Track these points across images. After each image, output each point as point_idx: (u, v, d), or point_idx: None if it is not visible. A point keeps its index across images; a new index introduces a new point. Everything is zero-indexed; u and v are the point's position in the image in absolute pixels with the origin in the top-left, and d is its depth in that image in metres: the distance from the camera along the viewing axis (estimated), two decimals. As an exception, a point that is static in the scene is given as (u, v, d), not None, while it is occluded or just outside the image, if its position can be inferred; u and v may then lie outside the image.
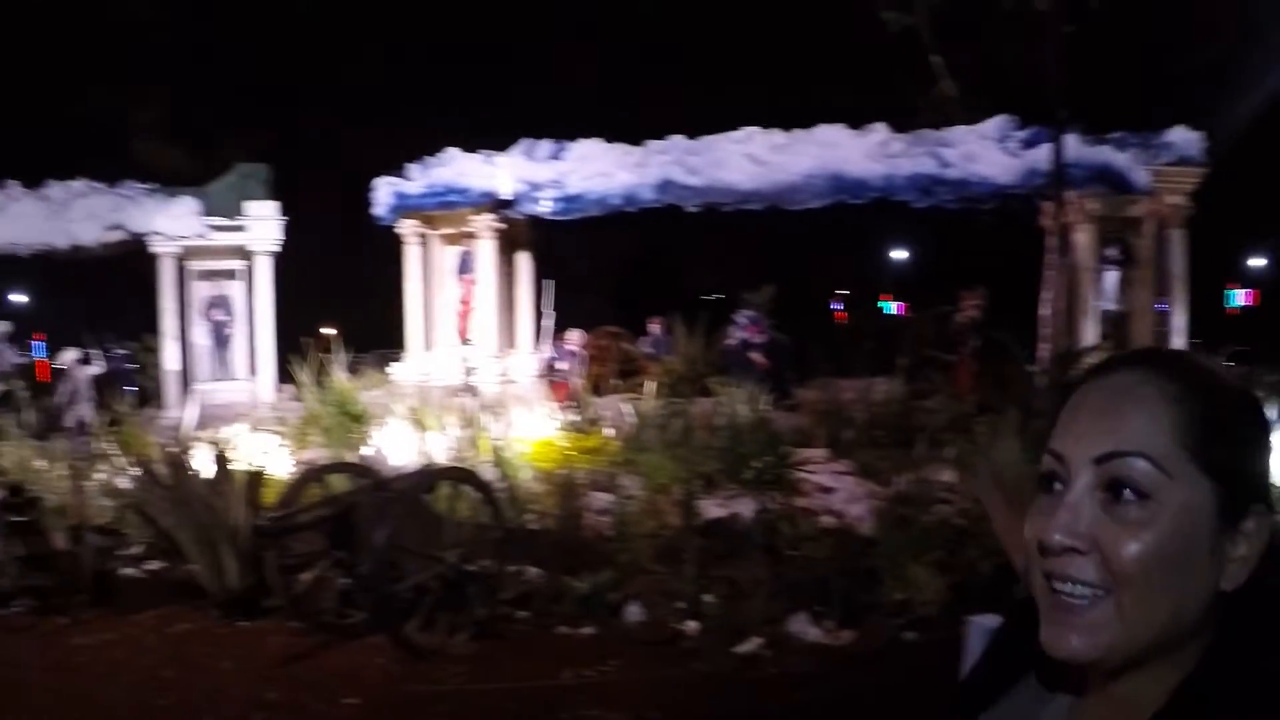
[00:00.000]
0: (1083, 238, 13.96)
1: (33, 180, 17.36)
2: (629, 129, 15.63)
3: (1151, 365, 1.02)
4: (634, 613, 7.06)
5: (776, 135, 14.89)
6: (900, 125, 14.61)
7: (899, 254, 42.10)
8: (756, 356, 14.27)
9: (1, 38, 25.08)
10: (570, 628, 7.20)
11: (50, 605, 8.75)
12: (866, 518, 7.99)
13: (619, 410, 11.97)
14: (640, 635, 6.85)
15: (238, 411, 15.09)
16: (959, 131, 14.34)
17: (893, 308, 32.03)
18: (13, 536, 8.99)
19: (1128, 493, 0.97)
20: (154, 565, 9.65)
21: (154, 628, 8.15)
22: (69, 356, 17.66)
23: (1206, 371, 1.02)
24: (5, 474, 10.99)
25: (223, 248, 17.21)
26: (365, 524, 7.31)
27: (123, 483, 10.58)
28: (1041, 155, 13.15)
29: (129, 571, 9.59)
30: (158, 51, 24.74)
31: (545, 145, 15.59)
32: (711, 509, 8.72)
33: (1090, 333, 13.84)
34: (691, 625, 6.75)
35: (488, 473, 9.39)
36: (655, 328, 17.58)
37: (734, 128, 15.13)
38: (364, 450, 12.08)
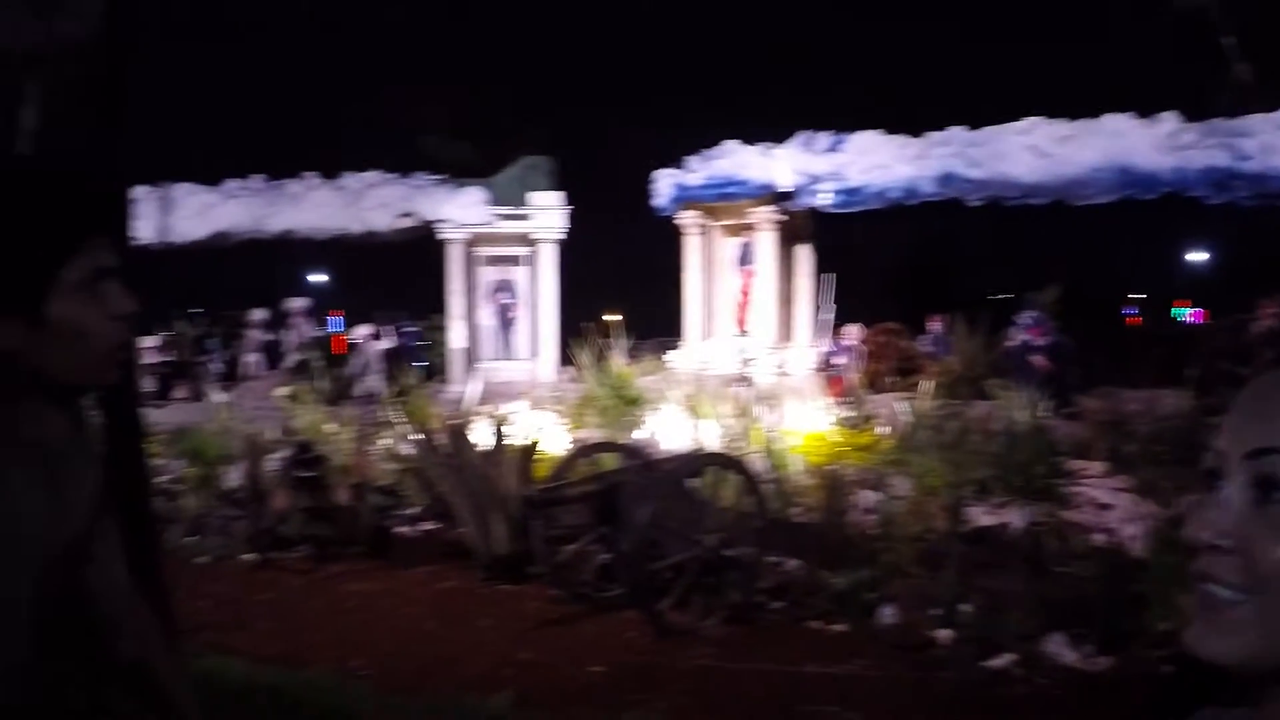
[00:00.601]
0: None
1: (330, 172, 18.61)
2: (908, 119, 15.31)
3: None
4: (888, 614, 6.93)
5: (1060, 125, 14.20)
6: (1192, 113, 13.69)
7: (1198, 256, 39.37)
8: (1038, 360, 13.70)
9: (303, 42, 26.91)
10: (823, 623, 7.11)
11: (328, 554, 9.41)
12: (1140, 539, 7.55)
13: (894, 408, 11.75)
14: (891, 638, 6.70)
15: (518, 389, 15.68)
16: (1256, 120, 13.24)
17: (1187, 314, 30.15)
18: (300, 489, 9.72)
19: (1277, 491, 0.90)
20: (428, 526, 10.20)
21: (422, 582, 8.59)
22: (362, 332, 18.93)
23: None
24: (297, 433, 11.83)
25: (508, 235, 17.98)
26: (630, 502, 7.45)
27: (405, 449, 11.18)
28: (1348, 147, 12.08)
29: (404, 530, 10.18)
30: (446, 49, 25.97)
31: (823, 137, 15.47)
32: (980, 516, 8.46)
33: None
34: (944, 633, 6.54)
35: (757, 463, 9.41)
36: (935, 325, 17.19)
37: (1016, 117, 14.54)
38: (637, 433, 12.33)
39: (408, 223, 18.20)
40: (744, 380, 14.70)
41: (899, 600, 7.05)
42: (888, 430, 11.10)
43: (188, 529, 10.21)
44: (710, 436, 11.61)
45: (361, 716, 5.40)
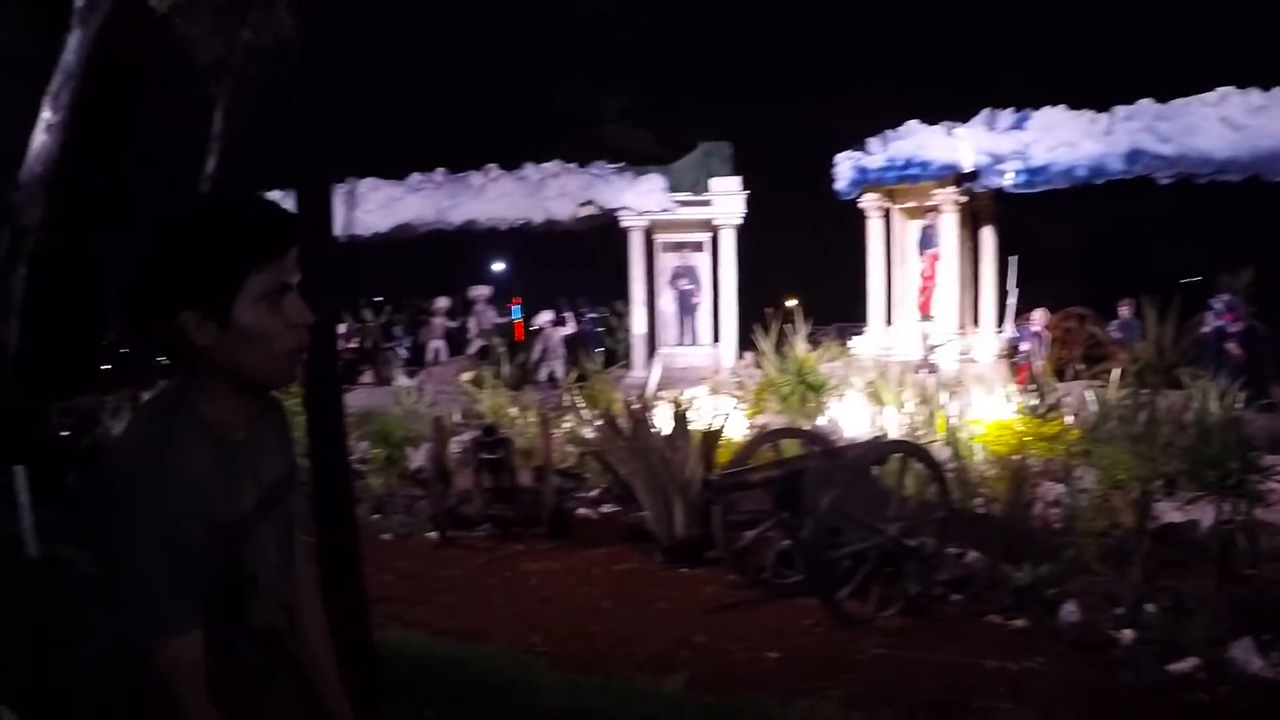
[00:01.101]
0: None
1: (511, 163, 19.05)
2: (1093, 93, 14.75)
3: None
4: (1070, 612, 6.81)
5: (1254, 95, 13.40)
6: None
7: None
8: (1231, 347, 13.17)
9: (485, 36, 27.47)
10: (1002, 617, 7.03)
11: (510, 533, 9.81)
12: (1337, 541, 7.23)
13: (1081, 397, 11.49)
14: (1071, 636, 6.58)
15: (699, 375, 15.87)
16: None
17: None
18: (484, 471, 10.09)
19: None
20: (608, 509, 10.48)
21: (600, 563, 8.83)
22: (543, 318, 19.40)
23: None
24: (482, 417, 12.24)
25: (688, 221, 18.13)
26: (812, 489, 7.45)
27: (586, 433, 11.47)
28: None
29: (584, 512, 10.49)
30: (625, 39, 26.17)
31: (1006, 115, 15.08)
32: (1168, 513, 8.22)
33: None
34: (1127, 634, 6.38)
35: (940, 451, 9.35)
36: (1125, 310, 16.68)
37: (1207, 88, 13.78)
38: (819, 419, 12.35)
39: (588, 211, 18.52)
40: (928, 366, 14.54)
41: (1081, 598, 6.92)
42: (1074, 420, 10.86)
43: (373, 507, 10.75)
44: (893, 424, 11.57)
45: (537, 692, 5.56)
